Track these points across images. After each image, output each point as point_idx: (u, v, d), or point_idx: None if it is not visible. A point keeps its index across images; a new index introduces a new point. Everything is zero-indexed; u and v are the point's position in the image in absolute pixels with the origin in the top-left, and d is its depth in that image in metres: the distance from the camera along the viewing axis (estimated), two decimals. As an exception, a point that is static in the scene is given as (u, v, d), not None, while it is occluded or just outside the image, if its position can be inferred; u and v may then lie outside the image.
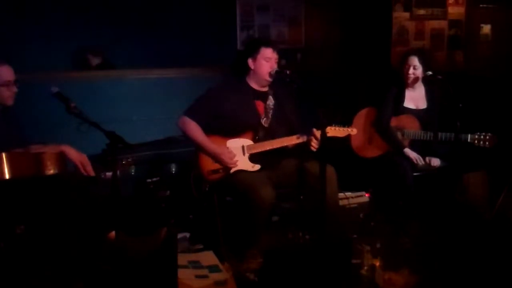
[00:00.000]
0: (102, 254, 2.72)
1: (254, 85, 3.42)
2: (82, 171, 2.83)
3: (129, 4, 4.60)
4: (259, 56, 3.33)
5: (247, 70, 3.41)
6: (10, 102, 2.92)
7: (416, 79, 3.83)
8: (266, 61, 3.32)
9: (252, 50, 3.37)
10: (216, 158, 3.28)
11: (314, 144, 3.25)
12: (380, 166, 3.89)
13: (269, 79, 3.34)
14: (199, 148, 3.31)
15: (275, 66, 3.33)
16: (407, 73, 3.81)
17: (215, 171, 3.29)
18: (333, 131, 3.32)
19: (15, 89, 2.91)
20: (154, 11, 4.70)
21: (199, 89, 3.44)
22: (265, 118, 3.42)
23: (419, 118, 3.86)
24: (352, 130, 3.42)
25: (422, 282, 2.94)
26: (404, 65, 3.84)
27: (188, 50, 4.78)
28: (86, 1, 4.46)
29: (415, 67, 3.79)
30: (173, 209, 3.73)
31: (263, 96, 3.43)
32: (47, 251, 2.68)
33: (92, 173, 2.86)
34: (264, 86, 3.43)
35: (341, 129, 3.36)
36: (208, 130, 3.33)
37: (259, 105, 3.42)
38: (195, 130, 3.30)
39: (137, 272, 2.68)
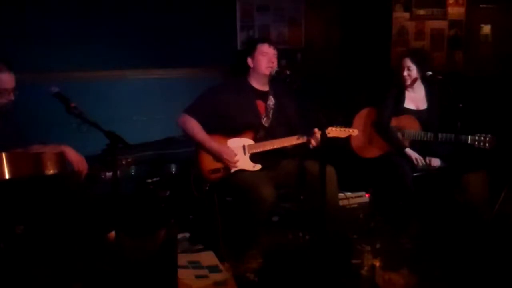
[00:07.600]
0: (102, 254, 2.72)
1: (255, 84, 3.43)
2: (76, 170, 2.85)
3: (129, 4, 4.59)
4: (256, 53, 3.35)
5: (247, 70, 3.42)
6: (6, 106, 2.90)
7: (414, 80, 3.82)
8: (263, 56, 3.34)
9: (250, 49, 3.40)
10: (217, 156, 3.27)
11: (314, 145, 3.26)
12: (380, 166, 3.89)
13: (267, 73, 3.34)
14: (200, 146, 3.31)
15: (274, 62, 3.34)
16: (403, 75, 3.82)
17: (215, 171, 3.28)
18: (334, 131, 3.32)
19: (12, 97, 2.88)
20: (154, 11, 4.69)
21: (199, 89, 3.44)
22: (265, 118, 3.42)
23: (420, 118, 3.85)
24: (353, 131, 3.42)
25: (422, 282, 2.94)
26: (400, 67, 3.85)
27: (188, 50, 4.77)
28: (86, 1, 4.46)
29: (409, 68, 3.79)
30: (173, 209, 3.72)
31: (264, 96, 3.43)
32: (46, 251, 2.67)
33: (83, 176, 2.88)
34: (265, 85, 3.43)
35: (342, 129, 3.36)
36: (209, 129, 3.33)
37: (260, 104, 3.42)
38: (195, 127, 3.29)
39: (137, 273, 2.67)
